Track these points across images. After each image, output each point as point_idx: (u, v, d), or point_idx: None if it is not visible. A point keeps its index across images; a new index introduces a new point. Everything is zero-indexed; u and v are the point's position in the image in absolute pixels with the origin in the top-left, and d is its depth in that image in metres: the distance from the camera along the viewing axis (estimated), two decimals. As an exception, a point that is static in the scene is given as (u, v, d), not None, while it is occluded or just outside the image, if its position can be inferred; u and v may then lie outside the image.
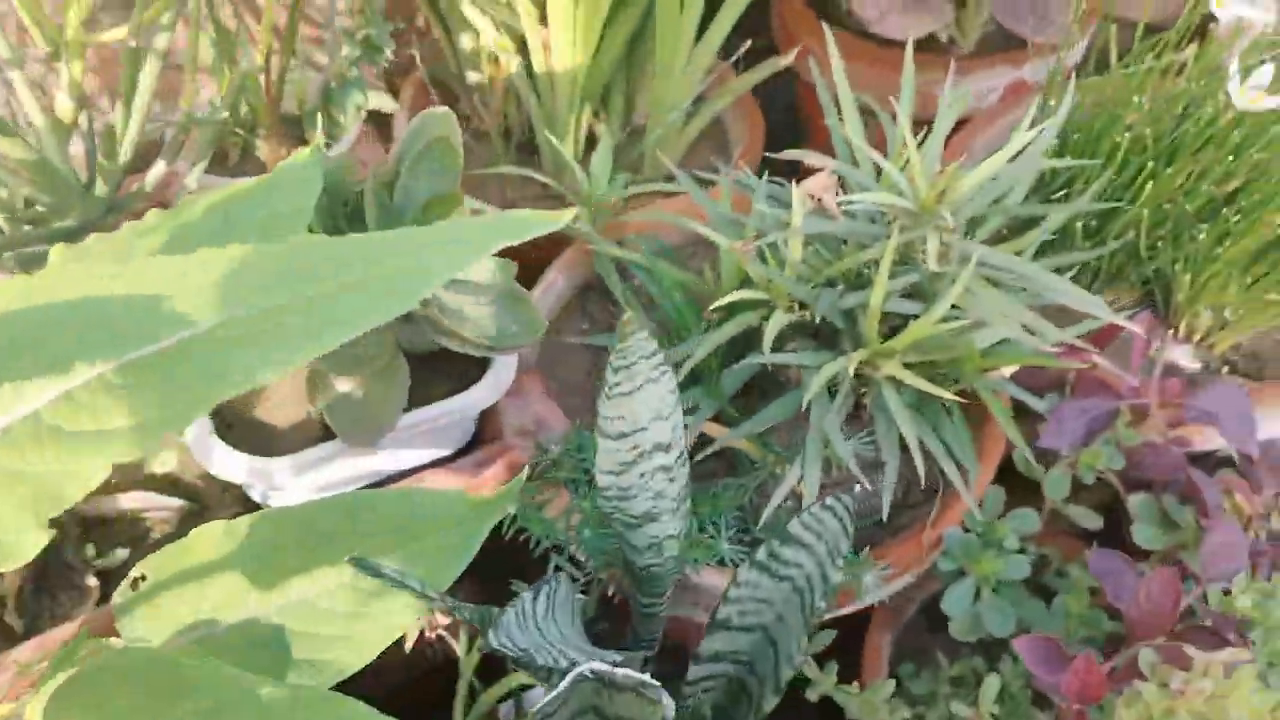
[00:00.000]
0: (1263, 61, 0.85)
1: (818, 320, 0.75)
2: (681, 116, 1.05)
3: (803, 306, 0.75)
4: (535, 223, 0.37)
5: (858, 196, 0.73)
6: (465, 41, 1.03)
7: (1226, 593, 0.79)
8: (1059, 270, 0.97)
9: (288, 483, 0.70)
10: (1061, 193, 0.93)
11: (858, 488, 0.76)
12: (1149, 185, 0.87)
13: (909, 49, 0.82)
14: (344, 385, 0.68)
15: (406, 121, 1.00)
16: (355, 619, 0.57)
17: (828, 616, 0.82)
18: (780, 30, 1.24)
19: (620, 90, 1.08)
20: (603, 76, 1.02)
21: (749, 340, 0.79)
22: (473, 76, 1.06)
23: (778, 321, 0.73)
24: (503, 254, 0.52)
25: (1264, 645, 0.79)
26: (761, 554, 0.65)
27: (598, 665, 0.48)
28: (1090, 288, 0.96)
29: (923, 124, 0.79)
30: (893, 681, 0.79)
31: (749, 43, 1.06)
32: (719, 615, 0.67)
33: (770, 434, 0.81)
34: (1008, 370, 0.81)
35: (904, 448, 0.84)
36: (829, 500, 0.62)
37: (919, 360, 0.78)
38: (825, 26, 0.89)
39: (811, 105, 1.24)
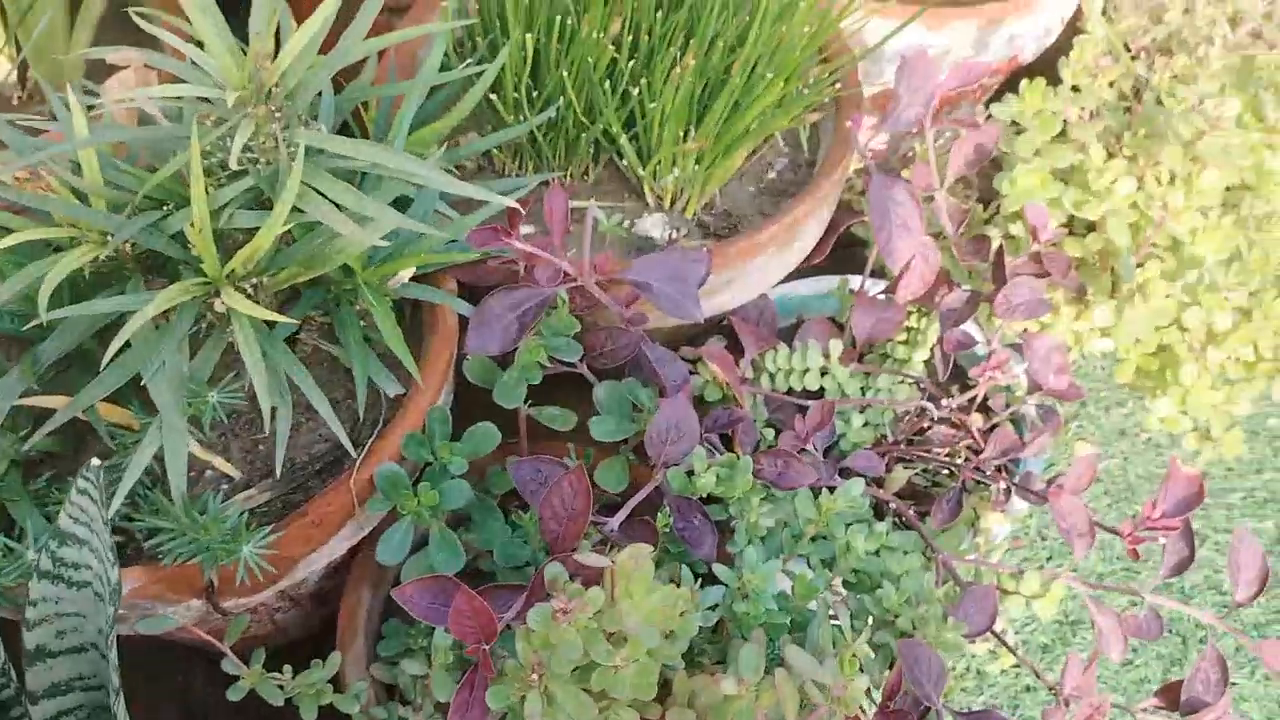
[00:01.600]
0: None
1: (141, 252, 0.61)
2: None
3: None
4: None
5: (156, 90, 0.59)
6: None
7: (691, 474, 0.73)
8: (519, 151, 0.88)
9: None
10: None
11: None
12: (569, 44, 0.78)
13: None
14: None
15: None
16: None
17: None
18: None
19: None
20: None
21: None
22: None
23: (72, 260, 0.58)
24: None
25: (742, 520, 0.74)
26: (45, 562, 0.51)
27: None
28: (552, 164, 0.86)
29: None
30: (335, 658, 0.68)
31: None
32: (29, 645, 0.53)
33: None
34: (406, 274, 0.70)
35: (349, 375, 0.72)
36: (79, 482, 0.49)
37: (298, 279, 0.66)
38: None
39: None
